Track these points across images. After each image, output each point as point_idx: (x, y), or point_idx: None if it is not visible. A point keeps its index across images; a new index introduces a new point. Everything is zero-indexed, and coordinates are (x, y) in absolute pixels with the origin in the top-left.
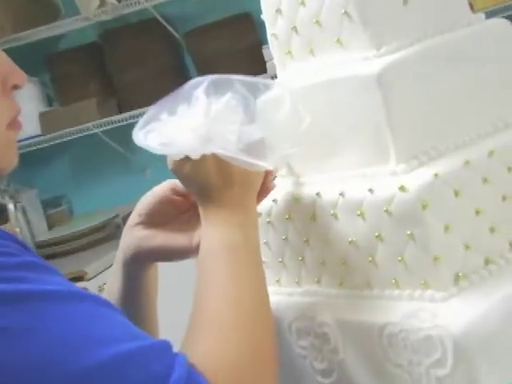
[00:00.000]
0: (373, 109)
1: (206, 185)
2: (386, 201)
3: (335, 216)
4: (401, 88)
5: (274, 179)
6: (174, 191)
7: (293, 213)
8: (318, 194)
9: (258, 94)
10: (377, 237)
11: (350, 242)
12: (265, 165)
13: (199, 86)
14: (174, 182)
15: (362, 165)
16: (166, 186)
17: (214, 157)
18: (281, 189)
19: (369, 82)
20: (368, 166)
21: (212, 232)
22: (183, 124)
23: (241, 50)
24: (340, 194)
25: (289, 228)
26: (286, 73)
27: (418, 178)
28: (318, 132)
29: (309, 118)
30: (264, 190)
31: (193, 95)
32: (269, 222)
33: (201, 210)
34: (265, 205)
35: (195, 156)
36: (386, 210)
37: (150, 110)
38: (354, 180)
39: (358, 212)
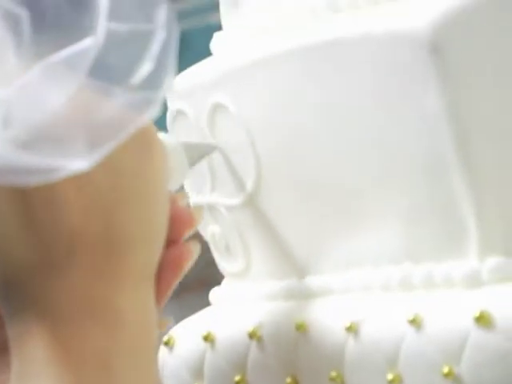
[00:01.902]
0: (423, 119)
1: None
2: (450, 352)
3: (338, 380)
4: (475, 71)
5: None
6: None
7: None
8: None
9: (37, 2)
10: None
11: None
12: (80, 165)
13: None
14: None
15: (397, 257)
16: None
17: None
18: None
19: (413, 53)
20: (413, 259)
21: None
22: None
23: None
24: (347, 330)
25: None
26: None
27: None
28: (302, 169)
29: None
30: (179, 221)
31: None
32: None
33: (8, 328)
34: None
35: None
36: (449, 374)
37: None
38: (382, 290)
39: (390, 376)
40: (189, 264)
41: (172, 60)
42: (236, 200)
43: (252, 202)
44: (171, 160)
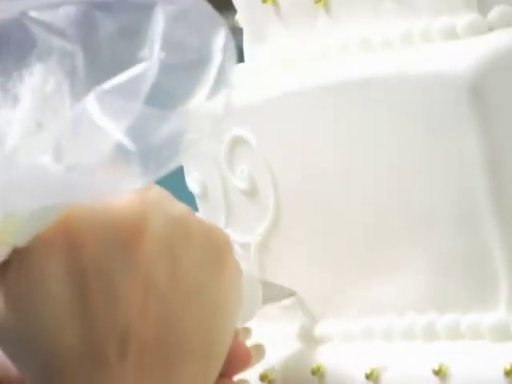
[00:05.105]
0: (458, 163)
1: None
2: None
3: None
4: None
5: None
6: None
7: None
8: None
9: (90, 37)
10: None
11: None
12: (134, 184)
13: None
14: None
15: (422, 305)
16: None
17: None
18: None
19: (452, 95)
20: (438, 309)
21: None
22: None
23: None
24: (367, 377)
25: None
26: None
27: None
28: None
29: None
30: (236, 357)
31: None
32: None
33: None
34: None
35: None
36: None
37: None
38: (405, 338)
39: None
40: (250, 362)
41: (228, 83)
42: (251, 237)
43: (268, 243)
44: (246, 290)
